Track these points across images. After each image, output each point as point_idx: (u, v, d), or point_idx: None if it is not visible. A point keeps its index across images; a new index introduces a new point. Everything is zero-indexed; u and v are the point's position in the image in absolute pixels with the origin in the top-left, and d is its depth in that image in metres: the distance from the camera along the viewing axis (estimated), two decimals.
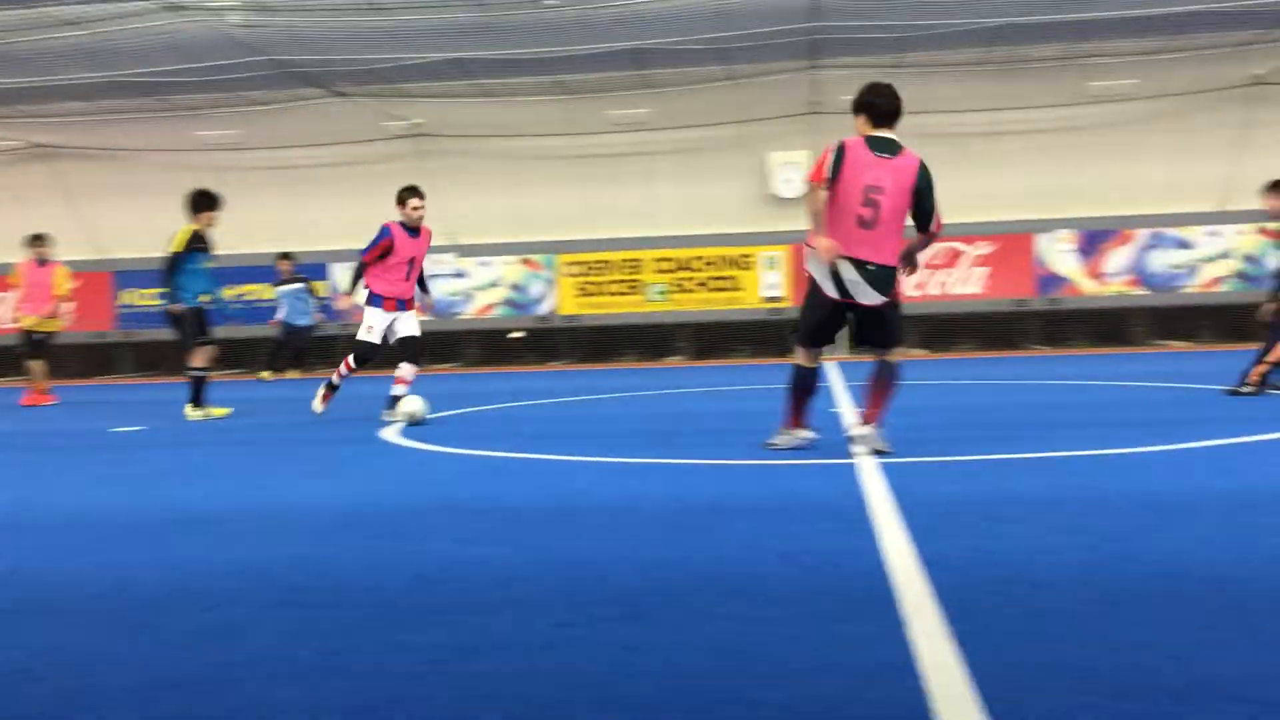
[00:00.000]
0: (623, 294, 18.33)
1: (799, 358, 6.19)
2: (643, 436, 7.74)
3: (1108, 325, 17.99)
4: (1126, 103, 17.19)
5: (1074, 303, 17.81)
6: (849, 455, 5.94)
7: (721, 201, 17.86)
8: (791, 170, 17.35)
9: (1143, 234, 17.56)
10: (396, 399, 8.67)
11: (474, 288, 18.86)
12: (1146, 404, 8.85)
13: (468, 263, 18.77)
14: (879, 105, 5.80)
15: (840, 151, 5.76)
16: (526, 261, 18.65)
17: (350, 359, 8.85)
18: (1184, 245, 17.47)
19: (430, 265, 19.13)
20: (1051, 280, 17.72)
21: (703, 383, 13.01)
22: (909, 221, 5.91)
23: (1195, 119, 17.13)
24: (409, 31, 13.44)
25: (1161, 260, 17.57)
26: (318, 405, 8.98)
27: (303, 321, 16.72)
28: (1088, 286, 17.75)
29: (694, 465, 6.00)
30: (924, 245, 6.06)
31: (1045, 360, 15.73)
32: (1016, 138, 17.31)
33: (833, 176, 5.74)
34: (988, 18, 12.99)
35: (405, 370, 8.83)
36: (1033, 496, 4.68)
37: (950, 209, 18.74)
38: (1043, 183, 17.42)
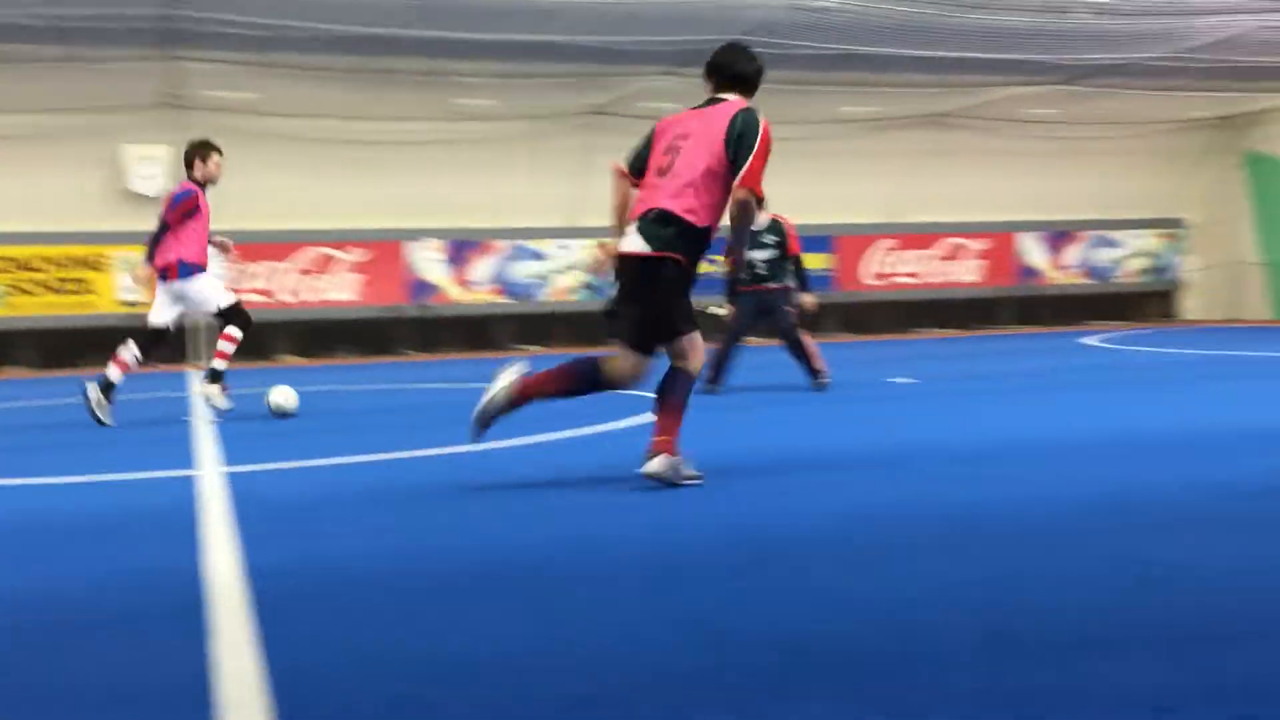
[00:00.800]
0: None
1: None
2: None
3: (475, 331, 18.99)
4: (488, 121, 18.27)
5: (444, 309, 18.57)
6: (191, 465, 5.66)
7: (69, 196, 16.25)
8: (150, 166, 16.25)
9: (504, 245, 18.77)
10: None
11: None
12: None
13: None
14: (714, 64, 4.93)
15: (648, 134, 4.93)
16: None
17: (233, 332, 8.11)
18: (539, 257, 18.95)
19: None
20: (422, 287, 18.34)
21: (51, 394, 11.76)
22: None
23: (547, 141, 18.65)
24: None
25: (521, 271, 18.90)
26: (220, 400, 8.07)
27: None
28: (456, 294, 18.61)
29: (15, 486, 5.37)
30: (738, 214, 4.74)
31: (418, 365, 16.24)
32: (386, 147, 17.70)
33: (634, 163, 4.89)
34: (352, 25, 13.11)
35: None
36: (373, 496, 4.76)
37: (318, 216, 18.49)
38: (412, 192, 17.97)
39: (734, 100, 4.81)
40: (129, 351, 7.96)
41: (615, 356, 4.81)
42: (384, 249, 18.07)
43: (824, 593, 3.01)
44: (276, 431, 7.50)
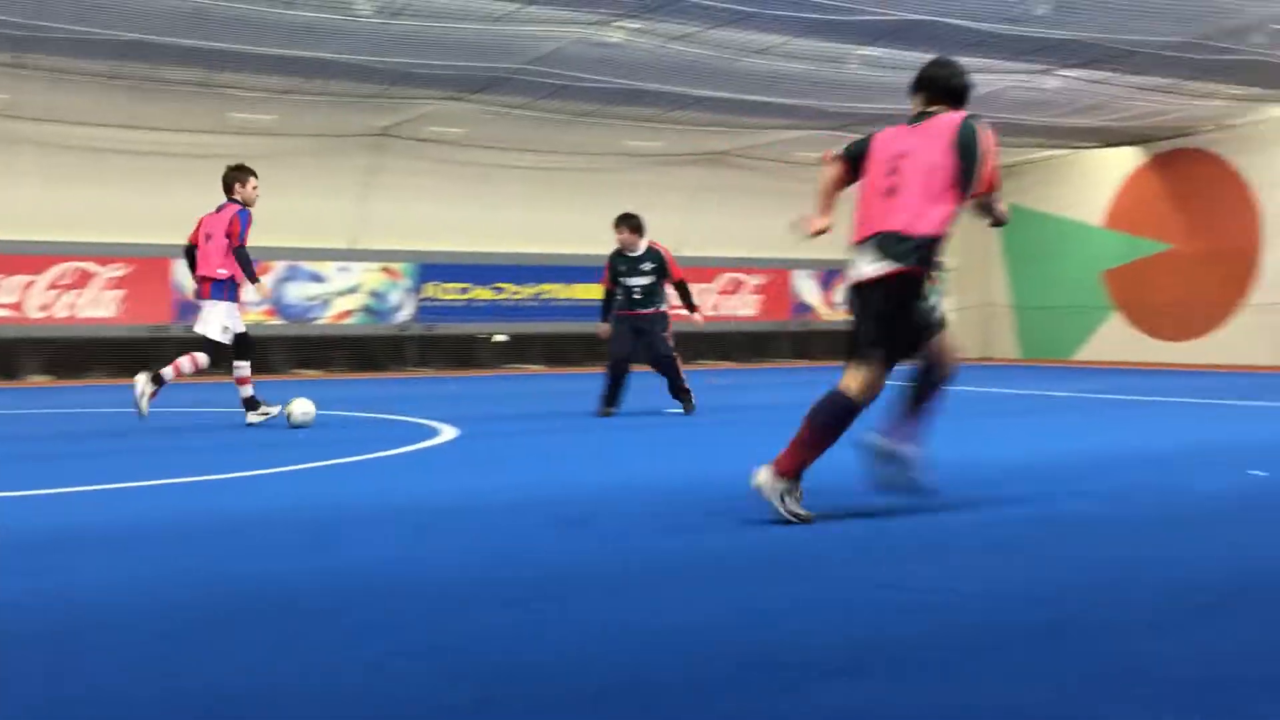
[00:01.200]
0: None
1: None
2: None
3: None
4: (267, 137, 17.66)
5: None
6: None
7: None
8: None
9: (280, 266, 18.14)
10: (253, 399, 8.88)
11: None
12: (264, 429, 9.07)
13: None
14: (927, 79, 4.99)
15: (866, 138, 5.04)
16: None
17: (200, 356, 8.59)
18: (318, 279, 18.40)
19: None
20: (191, 306, 17.48)
21: None
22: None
23: (329, 160, 18.17)
24: None
25: (298, 292, 18.30)
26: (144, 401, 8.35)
27: None
28: None
29: None
30: (985, 208, 5.15)
31: (183, 388, 15.44)
32: (154, 158, 16.85)
33: (850, 155, 5.02)
34: (116, 30, 12.41)
35: (244, 368, 8.95)
36: (122, 526, 4.48)
37: (77, 228, 17.31)
38: (182, 207, 17.09)
39: (950, 112, 4.85)
40: (243, 368, 8.87)
41: (850, 383, 4.84)
42: (148, 265, 17.18)
43: (584, 623, 3.00)
44: (23, 455, 7.02)
